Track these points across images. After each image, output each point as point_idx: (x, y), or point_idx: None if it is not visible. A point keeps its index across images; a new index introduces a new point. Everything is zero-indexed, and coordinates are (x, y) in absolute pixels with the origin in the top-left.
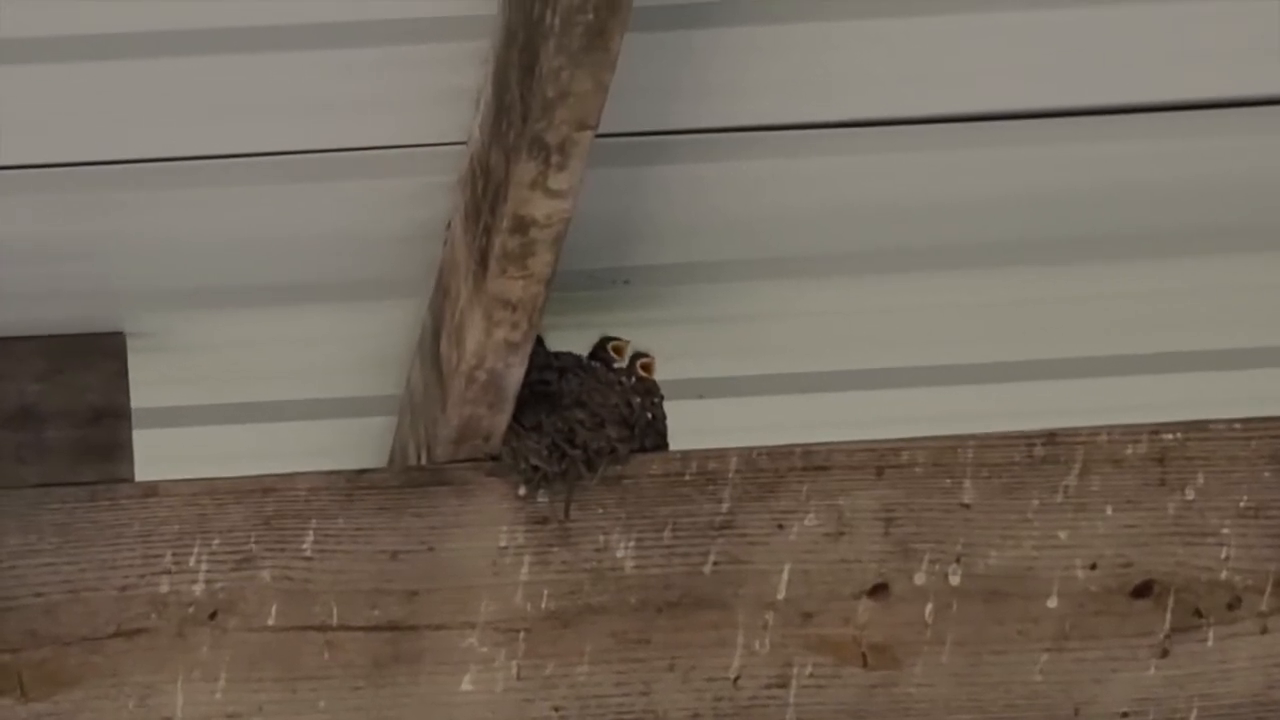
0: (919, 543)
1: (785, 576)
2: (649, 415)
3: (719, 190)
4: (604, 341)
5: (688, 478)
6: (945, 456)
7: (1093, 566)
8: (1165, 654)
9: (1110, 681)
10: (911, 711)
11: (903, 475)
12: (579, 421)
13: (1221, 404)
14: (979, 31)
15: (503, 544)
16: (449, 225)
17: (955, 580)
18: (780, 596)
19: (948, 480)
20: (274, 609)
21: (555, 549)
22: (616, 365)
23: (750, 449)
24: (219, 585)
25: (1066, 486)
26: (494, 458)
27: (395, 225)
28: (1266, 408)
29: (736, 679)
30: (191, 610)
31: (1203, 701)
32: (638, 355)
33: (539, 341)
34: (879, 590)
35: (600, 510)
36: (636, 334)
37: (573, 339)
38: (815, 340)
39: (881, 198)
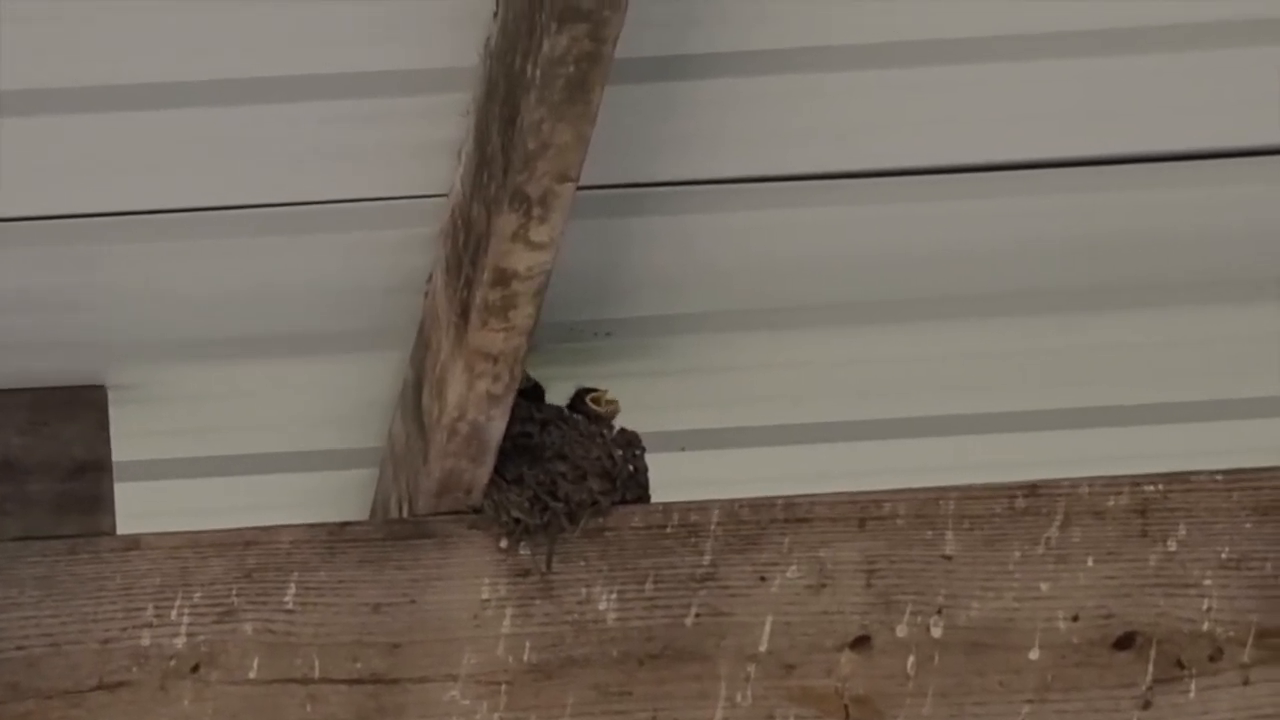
0: (901, 594)
1: (767, 628)
2: (631, 467)
3: (701, 242)
4: (582, 393)
5: (669, 530)
6: (927, 508)
7: (1074, 618)
8: (1147, 705)
9: None
10: None
11: (884, 527)
12: (561, 474)
13: (1203, 455)
14: (962, 82)
15: (485, 596)
16: (430, 278)
17: (937, 632)
18: (762, 648)
19: (929, 532)
20: (256, 662)
21: (537, 601)
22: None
23: (732, 501)
24: (201, 638)
25: (1048, 538)
26: (476, 510)
27: (376, 278)
28: (1248, 459)
29: None
30: (173, 663)
31: None
32: (586, 390)
33: (537, 391)
34: (861, 642)
35: (582, 562)
36: (618, 386)
37: (554, 391)
38: (797, 392)
39: (863, 249)
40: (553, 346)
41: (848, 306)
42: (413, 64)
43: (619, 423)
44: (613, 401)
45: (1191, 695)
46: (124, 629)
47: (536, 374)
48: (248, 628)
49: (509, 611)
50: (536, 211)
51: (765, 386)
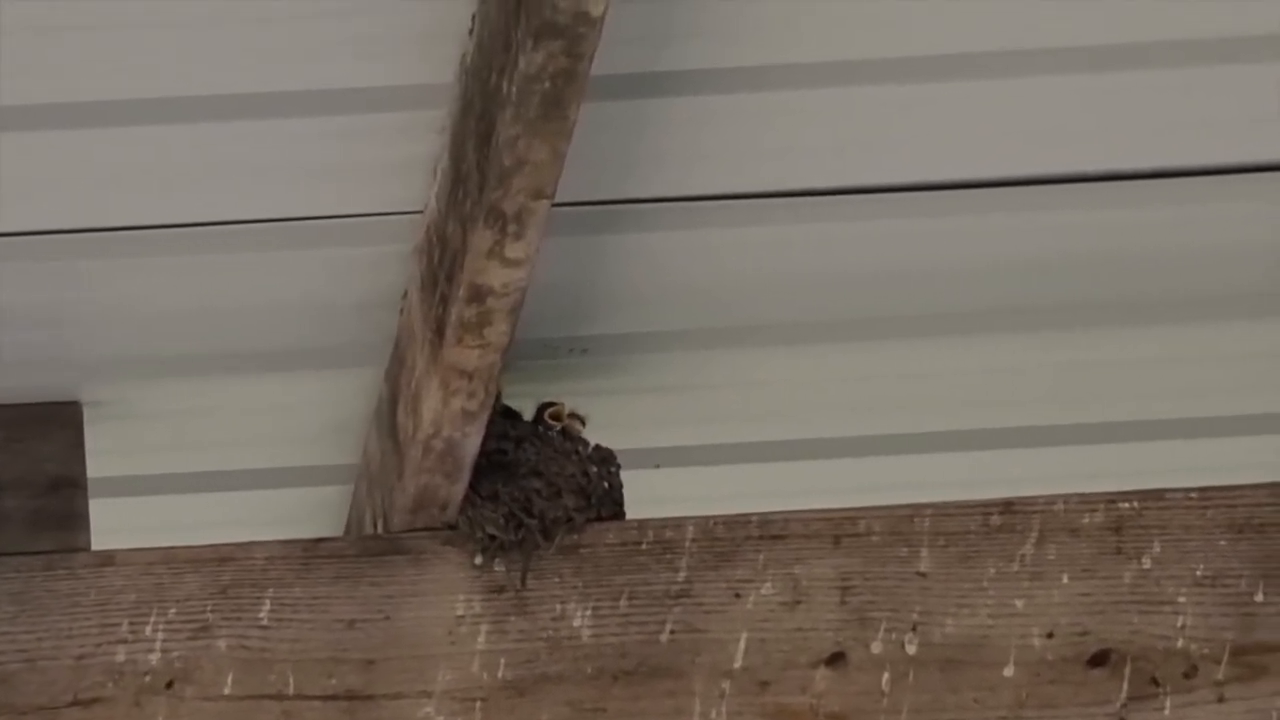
0: (875, 611)
1: (742, 645)
2: (606, 484)
3: (675, 259)
4: (543, 408)
5: (644, 547)
6: (902, 525)
7: (1049, 635)
8: None
9: None
10: None
11: (859, 544)
12: (536, 490)
13: (1178, 473)
14: (933, 100)
15: (459, 613)
16: (405, 294)
17: (912, 649)
18: (737, 665)
19: (904, 549)
20: (230, 678)
21: (512, 618)
22: (546, 429)
23: (707, 518)
24: (175, 654)
25: (1023, 555)
26: (451, 527)
27: (352, 294)
28: (1223, 477)
29: None
30: (148, 679)
31: None
32: (546, 405)
33: (506, 410)
34: (836, 659)
35: (557, 579)
36: (593, 403)
37: (529, 409)
38: (772, 409)
39: (837, 266)
40: (528, 363)
41: (823, 324)
42: (388, 81)
43: (593, 438)
44: (574, 416)
45: (1166, 713)
46: (99, 645)
47: (511, 390)
48: (222, 644)
49: (484, 628)
50: (512, 228)
51: (740, 403)
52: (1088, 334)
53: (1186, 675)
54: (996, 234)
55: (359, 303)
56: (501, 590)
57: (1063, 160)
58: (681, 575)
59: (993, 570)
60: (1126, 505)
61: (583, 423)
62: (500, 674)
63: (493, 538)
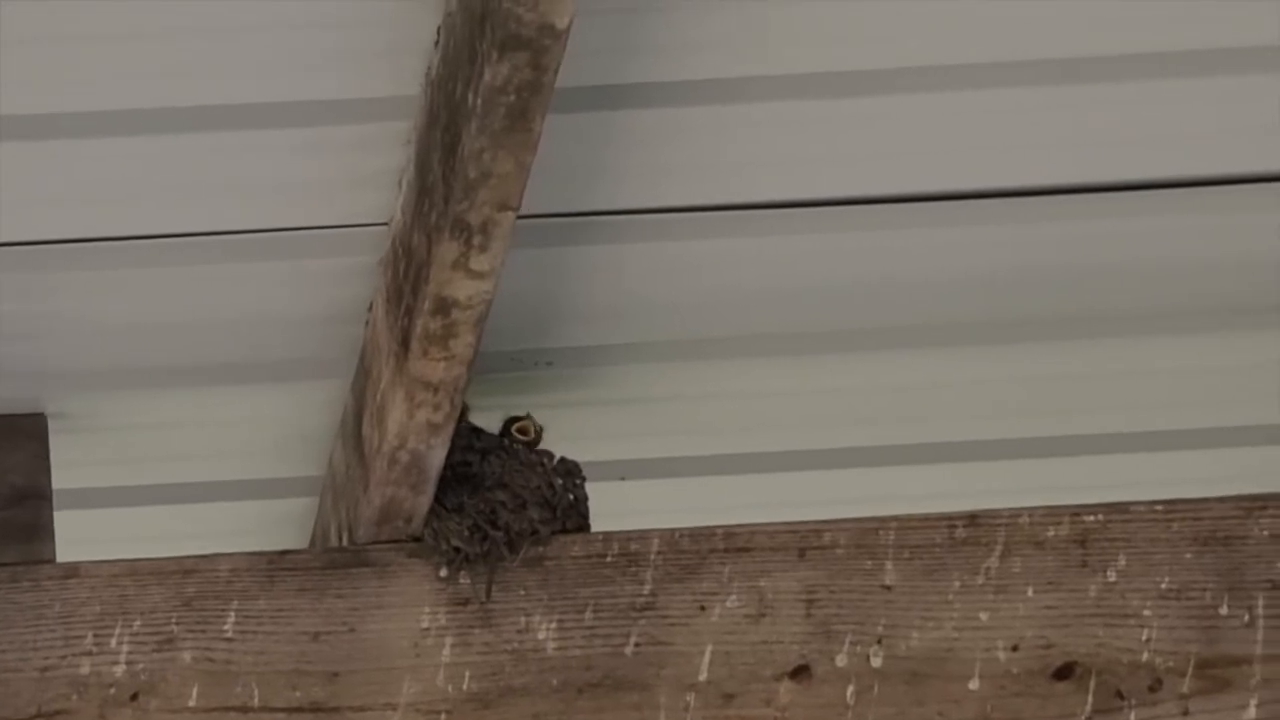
0: (840, 624)
1: (707, 658)
2: (571, 497)
3: (641, 271)
4: (510, 422)
5: (609, 559)
6: (867, 538)
7: (1014, 648)
8: None
9: None
10: None
11: (824, 556)
12: (501, 503)
13: (1143, 486)
14: (898, 113)
15: (424, 625)
16: (371, 306)
17: (877, 662)
18: (702, 678)
19: (869, 561)
20: (195, 690)
21: (477, 630)
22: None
23: (672, 530)
24: (140, 666)
25: (988, 568)
26: (416, 539)
27: (317, 306)
28: (1188, 490)
29: None
30: (113, 691)
31: None
32: (513, 420)
33: (472, 427)
34: (800, 672)
35: (522, 591)
36: (558, 416)
37: (494, 421)
38: (737, 422)
39: (803, 279)
40: (493, 376)
41: (788, 336)
42: (354, 93)
43: (558, 451)
44: (525, 427)
45: None
46: (63, 657)
47: (477, 404)
48: (187, 656)
49: (448, 640)
50: (477, 240)
51: (705, 416)
52: (1051, 347)
53: (1151, 688)
54: (960, 247)
55: (324, 315)
56: (466, 603)
57: (1024, 173)
58: (646, 588)
59: (958, 583)
60: (1091, 518)
61: (538, 433)
62: (465, 686)
63: (458, 550)
